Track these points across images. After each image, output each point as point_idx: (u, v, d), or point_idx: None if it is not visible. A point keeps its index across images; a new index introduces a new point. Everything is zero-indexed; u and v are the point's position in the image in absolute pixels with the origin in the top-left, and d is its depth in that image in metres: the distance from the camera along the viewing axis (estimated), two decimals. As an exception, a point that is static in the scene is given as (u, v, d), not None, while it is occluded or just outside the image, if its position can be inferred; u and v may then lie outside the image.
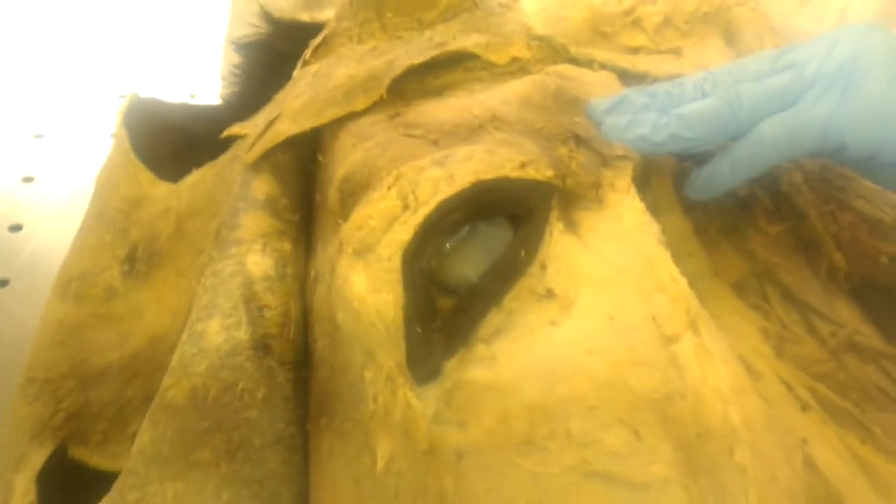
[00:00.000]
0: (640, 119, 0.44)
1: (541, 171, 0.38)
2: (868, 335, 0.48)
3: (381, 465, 0.35)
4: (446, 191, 0.37)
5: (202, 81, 0.91)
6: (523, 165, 0.38)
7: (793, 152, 0.41)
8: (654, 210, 0.46)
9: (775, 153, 0.41)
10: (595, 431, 0.33)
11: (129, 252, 0.55)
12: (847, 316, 0.48)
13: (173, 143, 0.62)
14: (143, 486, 0.39)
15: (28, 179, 0.81)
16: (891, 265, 0.50)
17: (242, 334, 0.43)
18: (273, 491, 0.40)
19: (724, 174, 0.43)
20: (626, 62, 0.55)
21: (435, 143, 0.42)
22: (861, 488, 0.36)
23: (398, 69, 0.49)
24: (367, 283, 0.36)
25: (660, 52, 0.59)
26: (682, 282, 0.36)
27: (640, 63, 0.56)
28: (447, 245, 0.38)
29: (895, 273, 0.50)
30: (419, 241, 0.36)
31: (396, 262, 0.36)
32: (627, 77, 0.53)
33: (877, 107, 0.39)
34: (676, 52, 0.59)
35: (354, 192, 0.41)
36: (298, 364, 0.44)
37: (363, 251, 0.37)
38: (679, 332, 0.34)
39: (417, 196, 0.37)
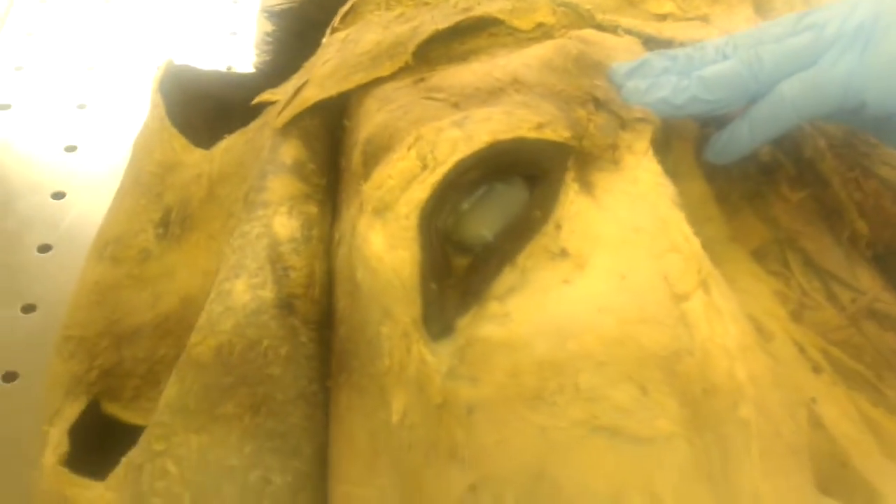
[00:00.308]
0: (660, 82, 0.44)
1: (557, 133, 0.38)
2: (889, 302, 0.47)
3: (395, 418, 0.36)
4: (464, 150, 0.37)
5: (240, 53, 0.92)
6: (540, 126, 0.38)
7: (812, 112, 0.41)
8: (675, 175, 0.47)
9: (794, 113, 0.41)
10: (603, 387, 0.33)
11: (163, 215, 0.57)
12: (868, 283, 0.48)
13: (207, 111, 0.63)
14: (169, 437, 0.40)
15: (71, 149, 0.83)
16: (915, 233, 0.50)
17: (268, 293, 0.44)
18: (294, 444, 0.41)
19: (744, 136, 0.43)
20: (652, 28, 0.55)
21: (456, 105, 0.43)
22: (868, 447, 0.36)
23: (423, 35, 0.50)
24: (384, 241, 0.37)
25: (687, 20, 0.59)
26: (695, 242, 0.37)
27: (667, 30, 0.56)
28: (464, 204, 0.39)
29: (920, 241, 0.50)
30: (436, 199, 0.37)
31: (414, 221, 0.37)
32: (653, 43, 0.53)
33: (894, 67, 0.39)
34: (704, 19, 0.59)
35: (376, 153, 0.42)
36: (322, 324, 0.45)
37: (382, 210, 0.38)
38: (690, 290, 0.35)
39: (436, 156, 0.38)
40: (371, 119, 0.45)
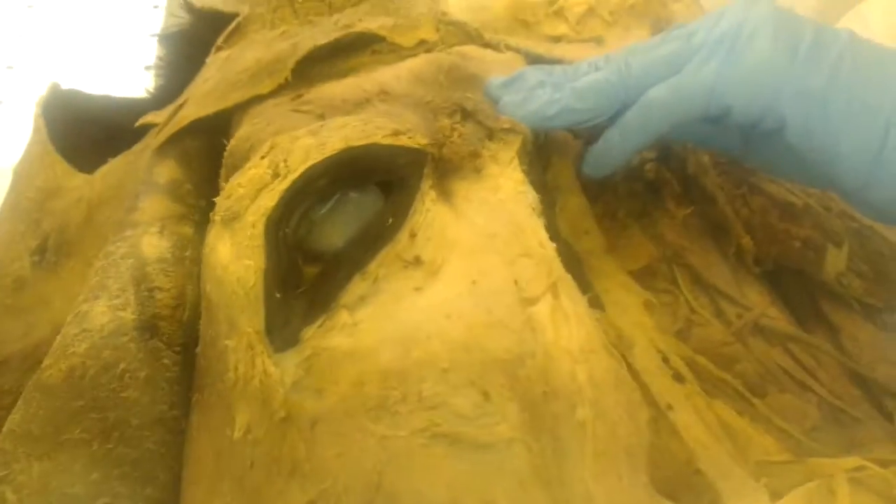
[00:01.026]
0: (535, 95, 0.43)
1: (415, 140, 0.37)
2: (775, 318, 0.47)
3: (237, 434, 0.34)
4: (316, 157, 0.36)
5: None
6: (396, 133, 0.37)
7: (679, 117, 0.41)
8: (554, 189, 0.46)
9: (662, 119, 0.41)
10: (445, 394, 0.32)
11: (41, 243, 0.55)
12: (755, 299, 0.48)
13: (95, 136, 0.61)
14: (10, 464, 0.38)
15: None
16: (802, 249, 0.50)
17: (129, 315, 0.42)
18: (147, 471, 0.39)
19: (616, 145, 0.43)
20: (542, 49, 0.55)
21: (321, 116, 0.42)
22: (719, 453, 0.34)
23: (302, 51, 0.49)
24: (231, 251, 0.35)
25: (581, 41, 0.59)
26: (550, 247, 0.36)
27: (557, 50, 0.55)
28: (317, 213, 0.37)
29: (807, 257, 0.49)
30: (284, 207, 0.36)
31: (260, 229, 0.35)
32: (541, 62, 0.53)
33: (760, 69, 0.39)
34: (598, 41, 0.58)
35: (236, 165, 0.40)
36: (190, 347, 0.43)
37: (230, 220, 0.36)
38: (538, 294, 0.34)
39: (289, 164, 0.36)
40: (237, 133, 0.44)
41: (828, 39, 0.39)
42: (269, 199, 0.36)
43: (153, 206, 0.48)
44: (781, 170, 0.45)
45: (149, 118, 0.56)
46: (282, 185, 0.36)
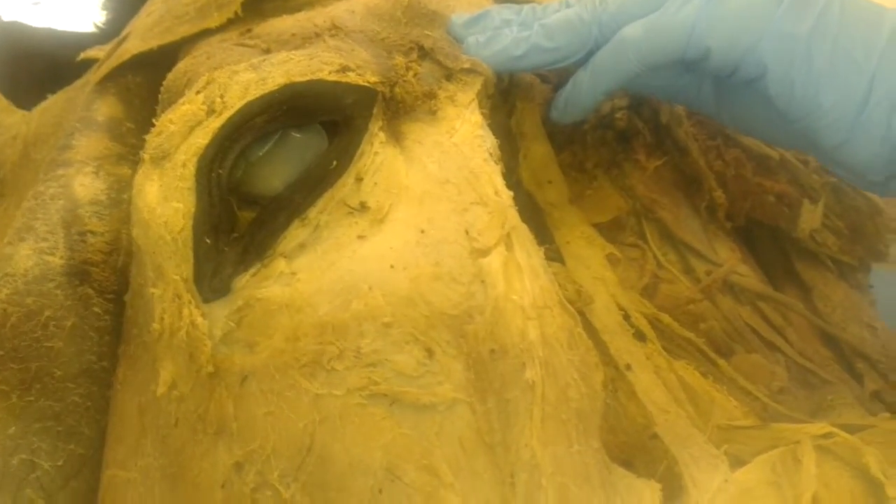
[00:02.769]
0: (501, 34, 0.40)
1: (364, 77, 0.34)
2: (746, 275, 0.45)
3: (161, 390, 0.31)
4: (255, 93, 0.33)
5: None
6: (343, 69, 0.34)
7: (655, 58, 0.38)
8: (518, 136, 0.43)
9: (636, 59, 0.38)
10: (386, 350, 0.29)
11: (-26, 183, 0.51)
12: (726, 255, 0.45)
13: (37, 71, 0.58)
14: (-80, 417, 0.35)
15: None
16: (777, 204, 0.47)
17: (57, 259, 0.39)
18: (71, 425, 0.36)
19: (585, 86, 0.40)
20: (518, -6, 0.52)
21: (266, 51, 0.39)
22: (677, 416, 0.32)
23: (254, -19, 0.46)
24: (159, 192, 0.33)
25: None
26: (506, 195, 0.33)
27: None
28: (257, 154, 0.34)
29: (781, 212, 0.47)
30: (218, 145, 0.33)
31: (191, 169, 0.32)
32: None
33: (744, 11, 0.36)
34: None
35: (172, 100, 0.37)
36: (125, 295, 0.40)
37: (160, 159, 0.33)
38: (490, 245, 0.31)
39: (226, 100, 0.33)
40: (175, 67, 0.40)
41: None
42: (202, 137, 0.33)
43: (89, 144, 0.45)
44: (755, 127, 0.42)
45: (91, 52, 0.52)
46: (216, 123, 0.33)
